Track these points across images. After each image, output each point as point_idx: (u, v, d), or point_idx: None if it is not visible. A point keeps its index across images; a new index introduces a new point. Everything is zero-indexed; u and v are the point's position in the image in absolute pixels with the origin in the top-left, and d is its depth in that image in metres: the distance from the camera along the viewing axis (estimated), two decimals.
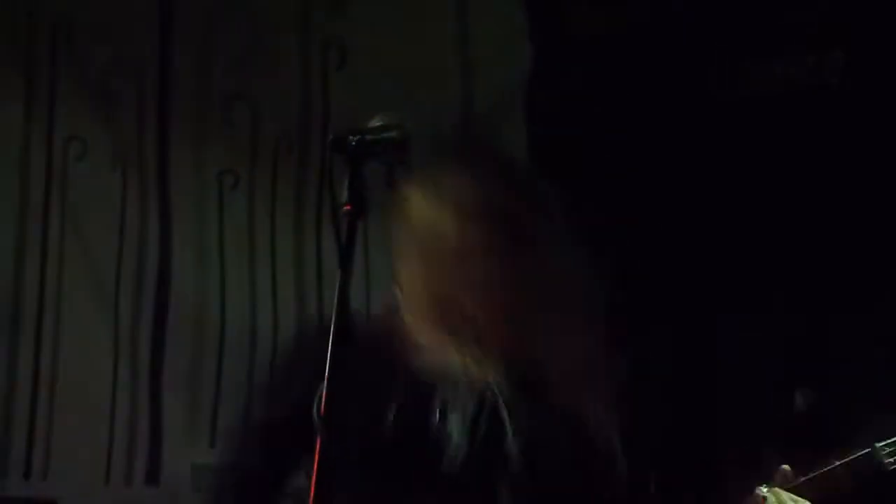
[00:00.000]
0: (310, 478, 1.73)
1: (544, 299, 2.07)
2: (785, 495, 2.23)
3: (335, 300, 1.65)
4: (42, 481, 3.55)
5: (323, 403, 1.67)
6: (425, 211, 2.08)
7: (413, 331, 2.06)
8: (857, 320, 3.49)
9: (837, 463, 2.32)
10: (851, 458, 2.25)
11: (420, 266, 2.08)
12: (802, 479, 2.19)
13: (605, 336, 2.08)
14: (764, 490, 2.29)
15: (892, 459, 2.27)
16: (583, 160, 3.44)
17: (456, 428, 2.04)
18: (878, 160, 3.46)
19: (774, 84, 3.69)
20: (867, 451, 2.20)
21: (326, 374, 1.66)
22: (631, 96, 3.72)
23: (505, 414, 2.03)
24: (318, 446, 1.66)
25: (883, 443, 2.23)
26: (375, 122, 1.72)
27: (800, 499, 2.21)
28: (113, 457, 3.49)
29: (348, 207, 1.69)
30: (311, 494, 1.65)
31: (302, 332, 3.07)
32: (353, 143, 1.70)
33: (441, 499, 2.06)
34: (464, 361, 2.05)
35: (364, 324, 2.03)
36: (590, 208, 2.26)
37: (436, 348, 2.06)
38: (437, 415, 2.05)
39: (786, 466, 2.24)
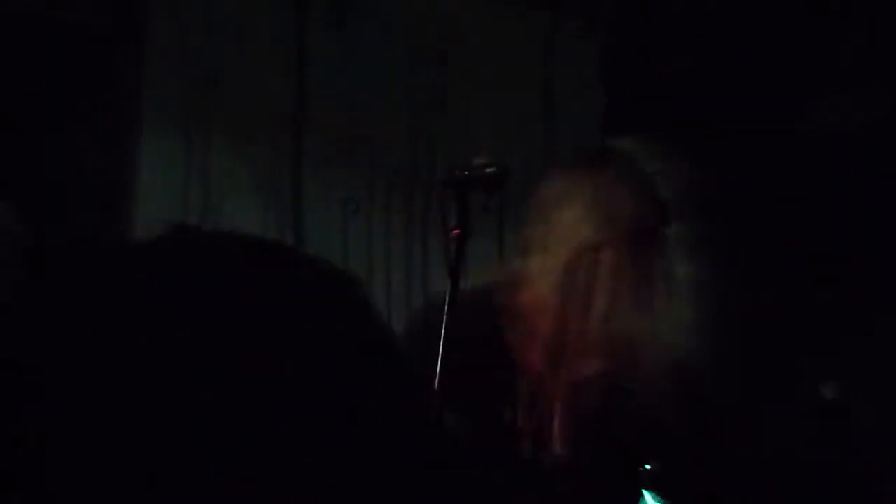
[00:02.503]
0: None
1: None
2: None
3: (445, 307, 2.09)
4: None
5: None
6: (565, 213, 2.28)
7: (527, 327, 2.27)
8: None
9: None
10: None
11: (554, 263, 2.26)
12: None
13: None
14: None
15: None
16: None
17: None
18: None
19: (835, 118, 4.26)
20: None
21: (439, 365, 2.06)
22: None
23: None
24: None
25: None
26: (479, 160, 2.17)
27: None
28: None
29: (457, 231, 2.17)
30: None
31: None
32: (462, 178, 2.25)
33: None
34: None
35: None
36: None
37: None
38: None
39: None
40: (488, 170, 2.17)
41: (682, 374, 2.21)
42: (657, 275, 2.26)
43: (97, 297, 1.10)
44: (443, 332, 2.09)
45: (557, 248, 2.25)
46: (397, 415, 1.32)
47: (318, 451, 1.22)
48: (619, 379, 2.23)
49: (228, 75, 3.81)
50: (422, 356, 2.28)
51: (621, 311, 2.23)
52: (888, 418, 3.86)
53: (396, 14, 4.10)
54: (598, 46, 4.42)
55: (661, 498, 2.76)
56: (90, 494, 0.94)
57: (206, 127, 3.80)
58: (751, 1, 4.25)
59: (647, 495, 2.98)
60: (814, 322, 4.21)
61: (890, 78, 4.07)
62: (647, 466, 2.90)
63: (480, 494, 2.18)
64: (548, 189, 2.33)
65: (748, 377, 3.66)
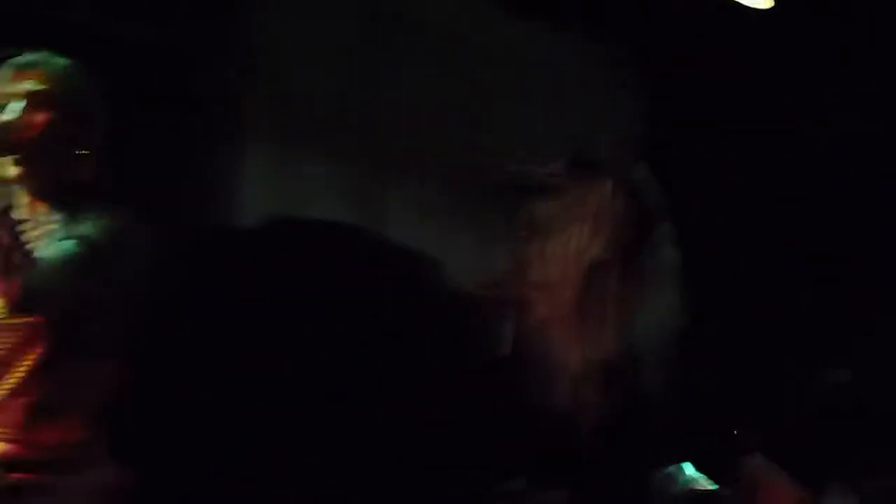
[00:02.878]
0: None
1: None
2: None
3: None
4: None
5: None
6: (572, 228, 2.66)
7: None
8: None
9: None
10: None
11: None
12: None
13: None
14: None
15: None
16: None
17: None
18: None
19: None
20: None
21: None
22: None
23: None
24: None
25: None
26: (542, 170, 2.68)
27: None
28: None
29: (525, 233, 2.65)
30: None
31: None
32: (528, 186, 2.67)
33: None
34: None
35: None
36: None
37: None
38: None
39: None
40: (551, 178, 2.63)
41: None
42: (650, 273, 2.67)
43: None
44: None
45: (567, 263, 2.68)
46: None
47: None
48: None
49: (319, 91, 4.24)
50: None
51: (627, 312, 2.66)
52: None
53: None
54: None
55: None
56: None
57: (300, 138, 4.19)
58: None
59: (686, 468, 3.42)
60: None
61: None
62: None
63: None
64: (550, 204, 2.73)
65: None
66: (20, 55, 2.37)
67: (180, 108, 3.78)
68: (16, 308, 2.18)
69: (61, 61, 2.40)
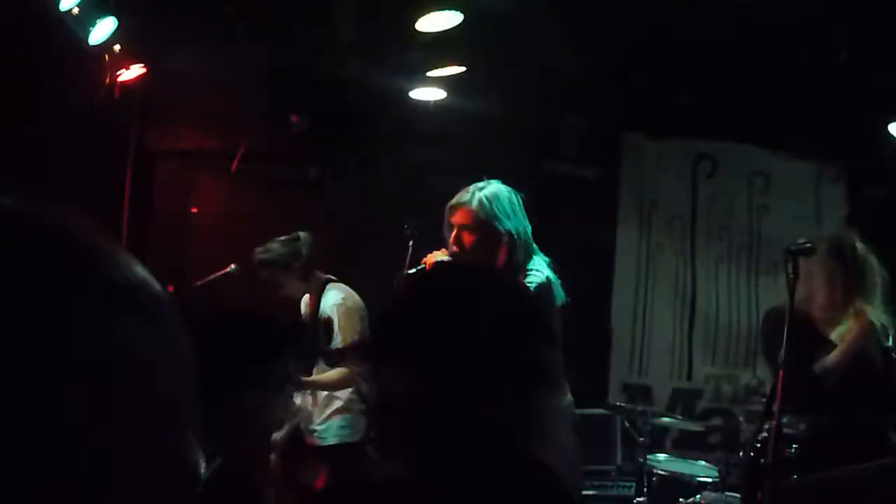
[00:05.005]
0: None
1: None
2: None
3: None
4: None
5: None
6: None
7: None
8: None
9: None
10: None
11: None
12: None
13: None
14: None
15: None
16: None
17: None
18: None
19: None
20: None
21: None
22: None
23: None
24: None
25: None
26: (800, 241, 4.63)
27: None
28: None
29: (793, 275, 4.44)
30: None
31: None
32: (794, 251, 4.53)
33: None
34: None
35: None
36: None
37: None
38: None
39: None
40: (806, 246, 4.53)
41: None
42: None
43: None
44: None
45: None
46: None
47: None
48: None
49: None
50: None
51: None
52: None
53: None
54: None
55: None
56: None
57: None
58: None
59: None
60: None
61: None
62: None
63: None
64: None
65: None
66: None
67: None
68: None
69: None
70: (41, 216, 0.76)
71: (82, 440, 0.71)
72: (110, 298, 0.75)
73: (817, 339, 4.73)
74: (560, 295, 4.37)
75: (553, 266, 4.43)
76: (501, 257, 4.36)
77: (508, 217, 4.36)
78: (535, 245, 4.48)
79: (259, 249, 5.76)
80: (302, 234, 5.79)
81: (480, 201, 4.37)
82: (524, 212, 4.48)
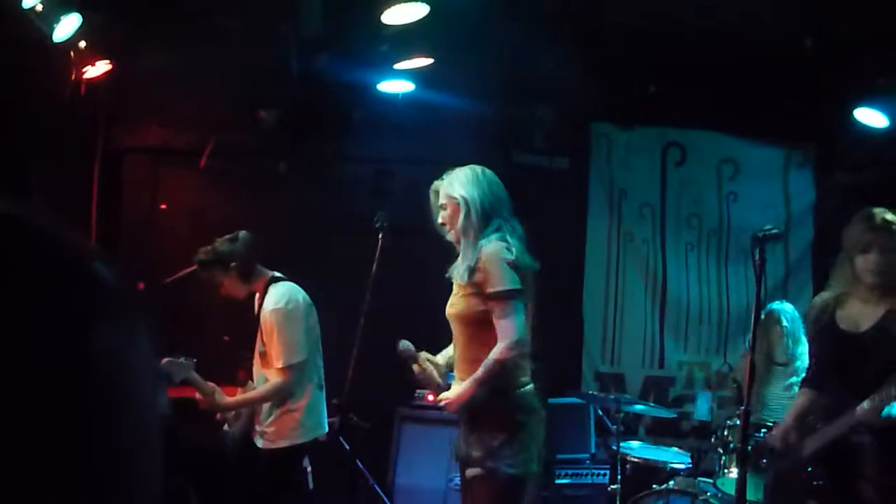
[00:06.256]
0: None
1: None
2: None
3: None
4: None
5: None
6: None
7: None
8: None
9: None
10: None
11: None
12: None
13: None
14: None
15: None
16: None
17: None
18: None
19: None
20: None
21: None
22: None
23: None
24: None
25: None
26: (766, 228, 4.59)
27: None
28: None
29: (760, 261, 4.50)
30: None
31: None
32: (759, 237, 4.56)
33: None
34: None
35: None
36: None
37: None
38: None
39: None
40: (773, 232, 4.61)
41: None
42: None
43: None
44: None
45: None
46: None
47: None
48: None
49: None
50: None
51: None
52: None
53: None
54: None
55: None
56: None
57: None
58: None
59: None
60: None
61: None
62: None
63: None
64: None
65: None
66: None
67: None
68: None
69: None
70: (17, 217, 0.75)
71: (62, 441, 0.70)
72: (89, 300, 0.74)
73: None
74: (525, 261, 4.58)
75: (522, 239, 4.64)
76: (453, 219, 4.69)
77: (464, 186, 4.68)
78: (509, 223, 4.66)
79: (202, 250, 5.76)
80: (241, 233, 5.76)
81: (446, 177, 4.78)
82: (493, 187, 4.73)
